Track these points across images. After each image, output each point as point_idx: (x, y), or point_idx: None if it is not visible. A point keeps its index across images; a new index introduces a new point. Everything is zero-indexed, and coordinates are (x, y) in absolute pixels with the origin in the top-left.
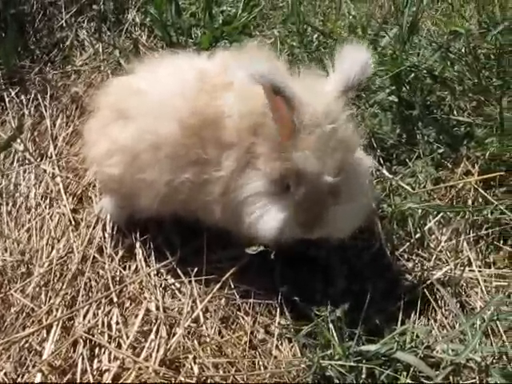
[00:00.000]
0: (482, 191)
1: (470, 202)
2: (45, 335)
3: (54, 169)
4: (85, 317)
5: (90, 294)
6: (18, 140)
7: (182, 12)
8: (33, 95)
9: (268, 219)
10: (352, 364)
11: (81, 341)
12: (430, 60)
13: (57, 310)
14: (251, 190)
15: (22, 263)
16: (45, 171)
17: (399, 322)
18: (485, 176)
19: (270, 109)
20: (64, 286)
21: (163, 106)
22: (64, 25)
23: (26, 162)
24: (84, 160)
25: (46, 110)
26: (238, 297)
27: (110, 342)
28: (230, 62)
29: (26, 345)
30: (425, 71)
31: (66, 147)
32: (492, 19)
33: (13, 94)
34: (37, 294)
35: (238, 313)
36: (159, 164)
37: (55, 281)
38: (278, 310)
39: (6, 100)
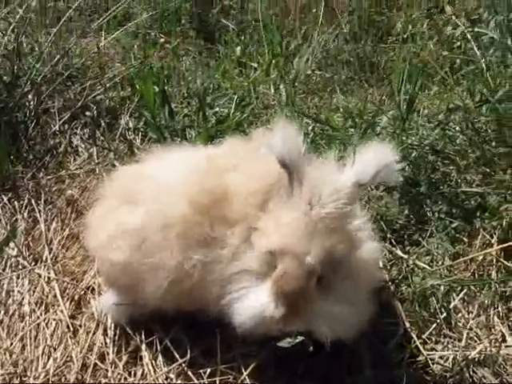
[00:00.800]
0: (505, 262)
1: (493, 274)
2: None
3: (49, 273)
4: None
5: None
6: (11, 245)
7: (175, 115)
8: (26, 201)
9: (246, 304)
10: None
11: None
12: (431, 137)
13: None
14: (240, 266)
15: (14, 376)
16: (40, 276)
17: None
18: (506, 244)
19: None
20: None
21: (173, 188)
22: (57, 132)
23: (20, 267)
24: (81, 262)
25: (40, 215)
26: None
27: None
28: (237, 147)
29: None
30: (427, 147)
31: (61, 251)
32: (489, 89)
33: (5, 200)
34: None
35: None
36: (169, 245)
37: None
38: None
39: None
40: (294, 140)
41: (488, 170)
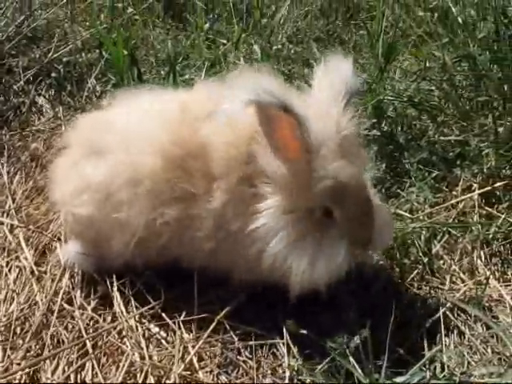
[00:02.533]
0: (486, 207)
1: (475, 218)
2: None
3: (12, 221)
4: (53, 373)
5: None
6: None
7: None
8: None
9: (325, 263)
10: None
11: None
12: (408, 91)
13: (18, 364)
14: (281, 241)
15: None
16: (2, 223)
17: (425, 351)
18: (487, 188)
19: (266, 133)
20: (26, 340)
21: (143, 138)
22: (20, 92)
23: None
24: (46, 212)
25: (2, 168)
26: (236, 339)
27: None
28: (213, 90)
29: None
30: (405, 99)
31: (25, 201)
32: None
33: None
34: None
35: (239, 357)
36: (138, 201)
37: (15, 338)
38: (285, 349)
39: None
40: (269, 81)
41: (465, 124)
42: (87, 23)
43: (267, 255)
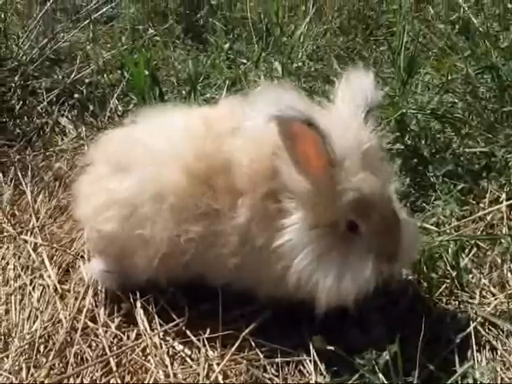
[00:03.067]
0: None
1: (504, 231)
2: None
3: (36, 239)
4: None
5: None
6: None
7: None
8: (12, 175)
9: (352, 278)
10: None
11: None
12: (432, 103)
13: (42, 382)
14: (306, 257)
15: None
16: (26, 241)
17: (457, 367)
18: None
19: (288, 148)
20: (50, 358)
21: (167, 154)
22: (44, 113)
23: (5, 233)
24: (69, 231)
25: (26, 187)
26: (261, 356)
27: None
28: (236, 107)
29: None
30: (428, 112)
31: (49, 220)
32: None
33: None
34: (16, 370)
35: (265, 375)
36: (163, 217)
37: (39, 356)
38: (312, 366)
39: None
40: (292, 96)
41: (490, 135)
42: (108, 45)
43: (293, 272)
